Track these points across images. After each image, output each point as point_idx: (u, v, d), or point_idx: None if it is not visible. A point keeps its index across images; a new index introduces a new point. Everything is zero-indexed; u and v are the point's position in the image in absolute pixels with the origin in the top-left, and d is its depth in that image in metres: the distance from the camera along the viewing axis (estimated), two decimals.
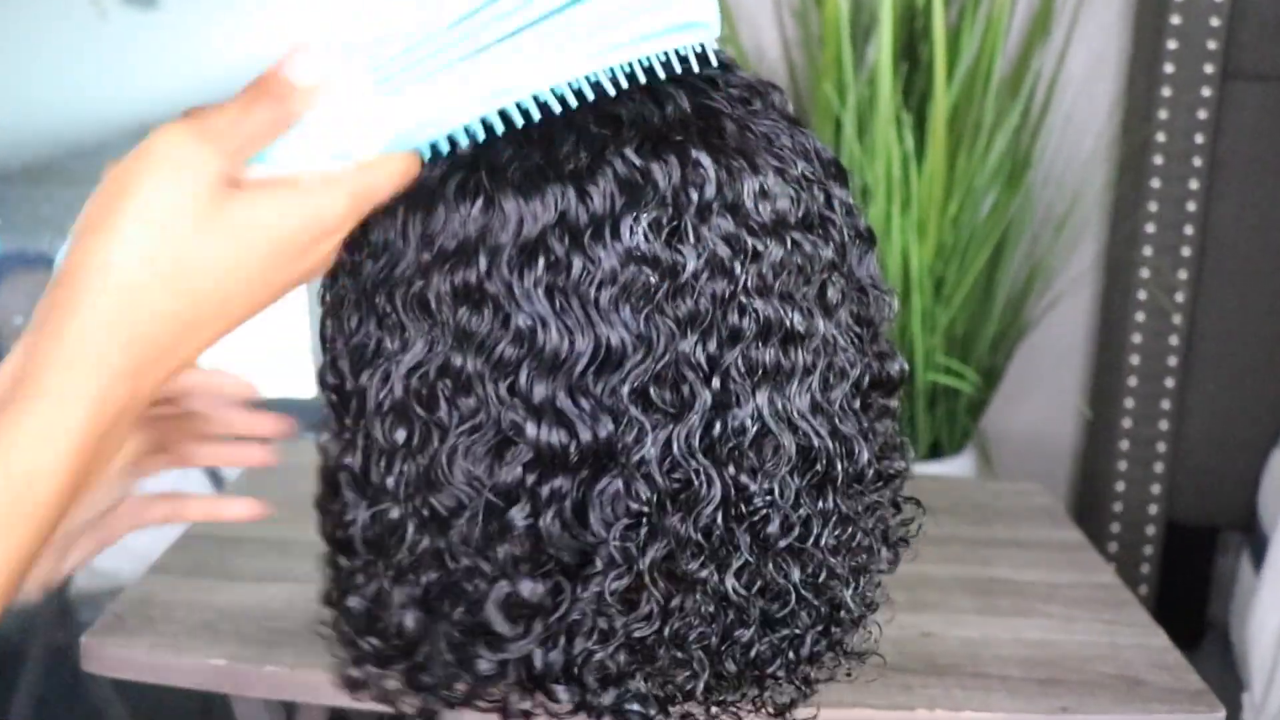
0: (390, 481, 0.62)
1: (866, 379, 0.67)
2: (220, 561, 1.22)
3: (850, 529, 0.66)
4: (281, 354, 2.70)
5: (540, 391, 0.59)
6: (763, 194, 0.61)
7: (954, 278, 1.81)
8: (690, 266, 0.59)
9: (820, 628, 0.68)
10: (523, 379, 0.59)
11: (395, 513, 0.62)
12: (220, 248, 0.53)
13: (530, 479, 0.60)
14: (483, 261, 0.58)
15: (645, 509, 0.60)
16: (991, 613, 1.16)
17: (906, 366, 0.70)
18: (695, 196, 0.59)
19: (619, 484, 0.60)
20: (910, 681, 1.03)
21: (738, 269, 0.60)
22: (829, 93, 1.78)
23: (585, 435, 0.59)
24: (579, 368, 0.59)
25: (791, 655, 0.67)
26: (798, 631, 0.66)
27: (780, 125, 0.64)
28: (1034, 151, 1.89)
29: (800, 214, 0.63)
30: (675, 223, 0.59)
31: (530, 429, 0.59)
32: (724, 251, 0.60)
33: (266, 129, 0.56)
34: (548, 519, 0.61)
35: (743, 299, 0.60)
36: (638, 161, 0.59)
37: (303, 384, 2.62)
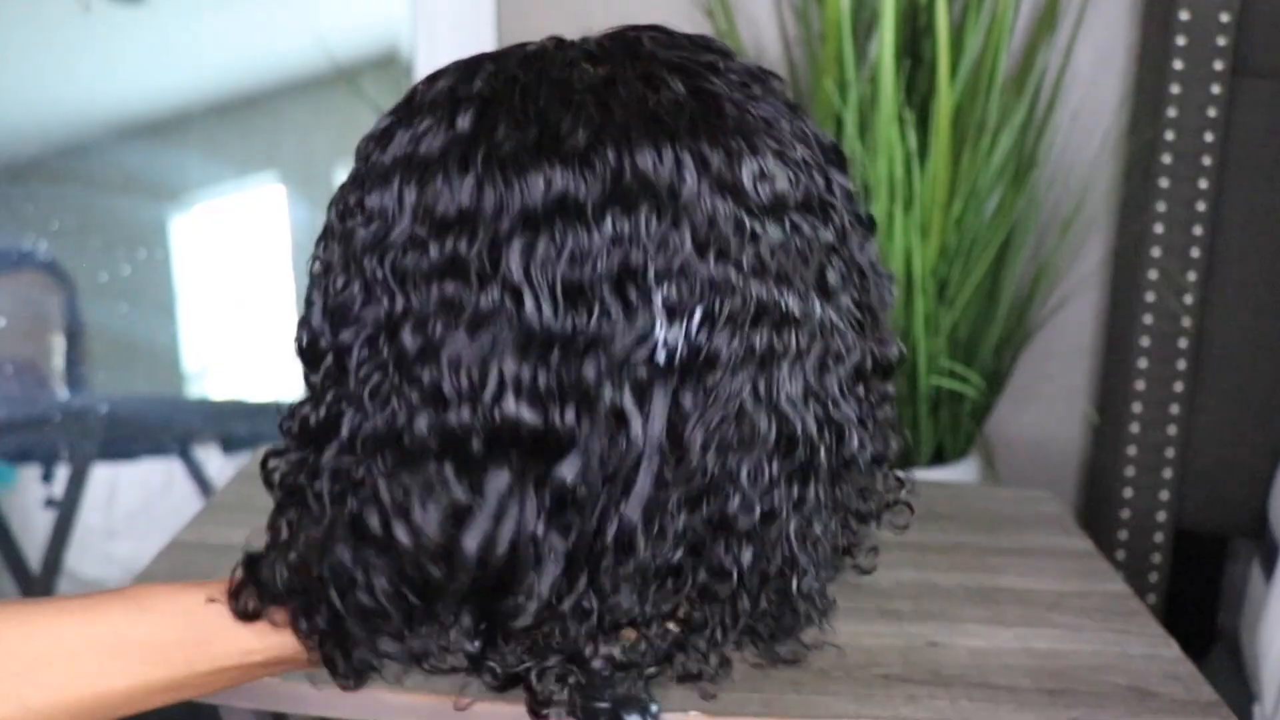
0: (355, 436, 0.62)
1: (868, 363, 0.67)
2: (207, 569, 1.20)
3: (827, 520, 0.67)
4: (271, 359, 2.69)
5: (518, 368, 0.60)
6: (761, 175, 0.62)
7: (958, 279, 1.79)
8: (686, 247, 0.60)
9: (762, 619, 0.68)
10: (504, 354, 0.60)
11: (358, 469, 0.63)
12: None
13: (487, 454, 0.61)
14: (474, 235, 0.60)
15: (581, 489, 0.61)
16: (999, 622, 1.14)
17: (904, 349, 0.70)
18: (691, 180, 0.60)
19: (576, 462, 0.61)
20: (916, 692, 1.02)
21: (734, 251, 0.60)
22: (830, 90, 1.77)
23: (555, 415, 0.60)
24: (561, 345, 0.60)
25: (718, 635, 0.67)
26: (728, 619, 0.66)
27: (780, 109, 0.65)
28: (1039, 150, 1.87)
29: (800, 196, 0.63)
30: (671, 205, 0.60)
31: (508, 405, 0.60)
32: (721, 234, 0.60)
33: None
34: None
35: (738, 281, 0.61)
36: (635, 146, 0.60)
37: (292, 389, 2.61)
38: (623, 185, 0.59)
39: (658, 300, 0.59)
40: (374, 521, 0.62)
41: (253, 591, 0.70)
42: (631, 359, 0.59)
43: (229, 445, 2.39)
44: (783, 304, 0.61)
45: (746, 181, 0.61)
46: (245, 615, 0.70)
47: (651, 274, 0.59)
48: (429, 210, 0.60)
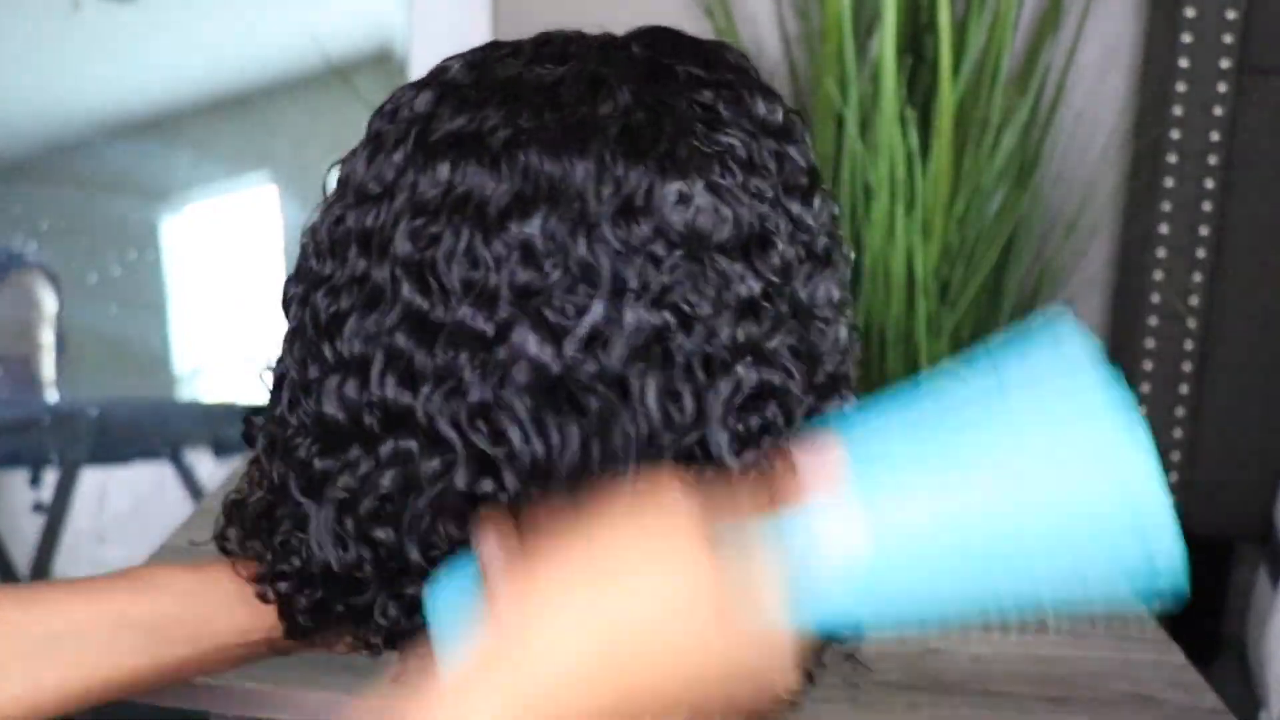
0: (293, 397, 0.64)
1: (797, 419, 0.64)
2: None
3: None
4: (264, 361, 2.68)
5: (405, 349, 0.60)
6: (679, 201, 0.59)
7: (960, 280, 1.78)
8: (576, 266, 0.58)
9: None
10: (392, 334, 0.60)
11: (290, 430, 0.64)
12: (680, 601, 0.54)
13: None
14: (379, 211, 0.61)
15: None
16: (1000, 628, 1.12)
17: (851, 405, 0.66)
18: (599, 194, 0.59)
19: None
20: (917, 700, 1.01)
21: (631, 277, 0.59)
22: (830, 89, 1.76)
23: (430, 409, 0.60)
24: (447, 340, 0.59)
25: None
26: None
27: (747, 133, 0.63)
28: (1043, 149, 1.85)
29: (726, 233, 0.60)
30: (573, 219, 0.58)
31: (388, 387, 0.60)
32: (621, 255, 0.58)
33: (755, 506, 0.57)
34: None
35: (631, 307, 0.59)
36: (549, 152, 0.59)
37: None
38: (527, 190, 0.58)
39: (546, 314, 0.58)
40: (315, 480, 0.63)
41: (233, 532, 0.71)
42: (511, 374, 0.58)
43: (221, 449, 2.39)
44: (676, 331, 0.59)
45: (661, 207, 0.59)
46: (225, 552, 0.72)
47: (537, 285, 0.58)
48: (362, 183, 0.62)
